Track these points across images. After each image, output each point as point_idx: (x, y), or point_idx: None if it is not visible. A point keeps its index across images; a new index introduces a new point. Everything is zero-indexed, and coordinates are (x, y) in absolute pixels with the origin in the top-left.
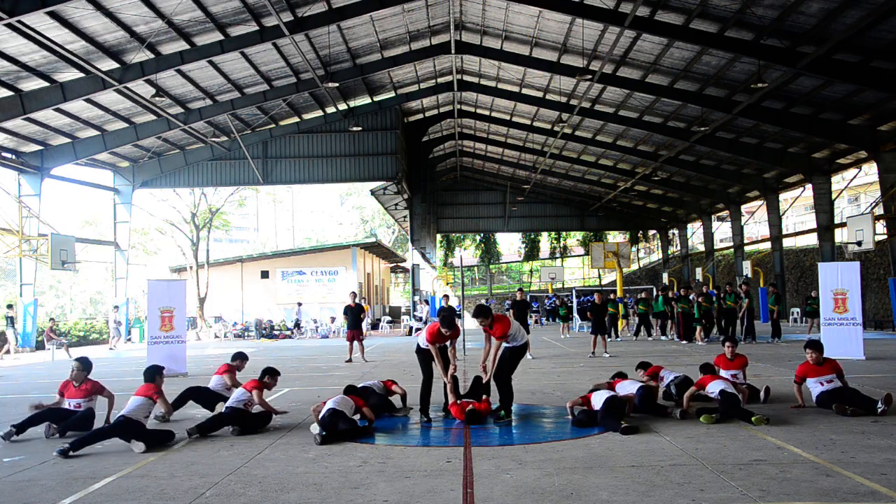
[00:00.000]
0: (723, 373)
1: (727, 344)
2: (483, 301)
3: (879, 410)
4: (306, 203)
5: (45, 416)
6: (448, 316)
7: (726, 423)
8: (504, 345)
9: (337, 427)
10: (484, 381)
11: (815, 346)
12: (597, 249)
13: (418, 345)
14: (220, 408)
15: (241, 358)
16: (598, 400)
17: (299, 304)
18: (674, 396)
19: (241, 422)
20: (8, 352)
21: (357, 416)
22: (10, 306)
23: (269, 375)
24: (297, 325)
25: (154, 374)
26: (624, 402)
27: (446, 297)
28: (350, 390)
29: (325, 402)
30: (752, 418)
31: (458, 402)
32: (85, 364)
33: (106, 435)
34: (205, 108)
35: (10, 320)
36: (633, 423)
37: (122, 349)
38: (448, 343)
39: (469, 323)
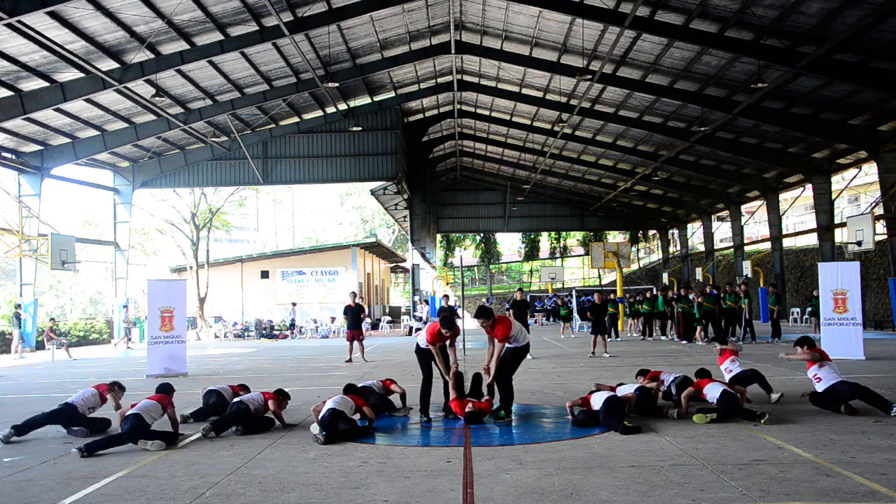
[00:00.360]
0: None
1: (715, 344)
2: (483, 301)
3: (894, 413)
4: (306, 203)
5: (49, 420)
6: (448, 316)
7: (726, 423)
8: (506, 345)
9: (337, 427)
10: (486, 384)
11: (799, 342)
12: (597, 249)
13: (417, 345)
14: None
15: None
16: (597, 401)
17: (293, 305)
18: (673, 396)
19: (247, 422)
20: (16, 350)
21: (357, 416)
22: (18, 306)
23: (284, 396)
24: (293, 325)
25: (168, 389)
26: (624, 402)
27: (446, 297)
28: (349, 389)
29: (324, 402)
30: (762, 420)
31: (460, 399)
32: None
33: (122, 441)
34: (205, 108)
35: (18, 320)
36: (633, 423)
37: (122, 349)
38: (448, 343)
39: (469, 323)
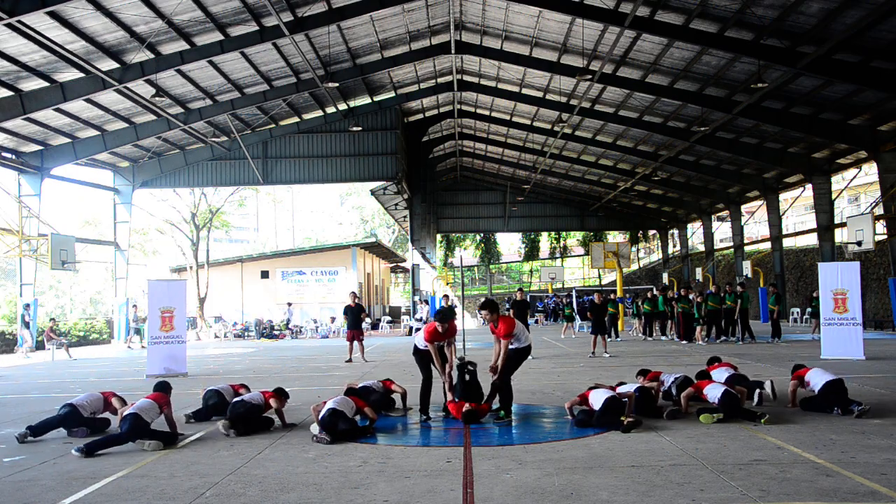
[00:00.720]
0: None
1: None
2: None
3: (855, 410)
4: (306, 203)
5: (61, 423)
6: (443, 311)
7: (726, 423)
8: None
9: (337, 427)
10: (493, 382)
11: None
12: (597, 249)
13: (416, 346)
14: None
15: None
16: (596, 399)
17: (289, 304)
18: (674, 396)
19: (249, 422)
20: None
21: (357, 417)
22: (27, 306)
23: (283, 395)
24: (288, 325)
25: (165, 388)
26: (624, 403)
27: (446, 297)
28: (350, 392)
29: (325, 402)
30: (762, 420)
31: (457, 400)
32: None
33: (121, 440)
34: (205, 108)
35: (24, 322)
36: (632, 421)
37: (135, 348)
38: (446, 343)
39: (469, 323)
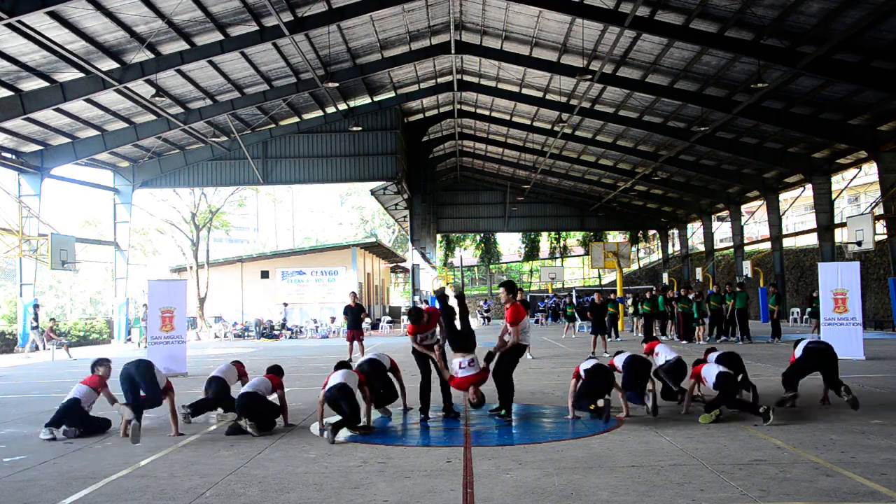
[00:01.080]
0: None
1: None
2: (482, 302)
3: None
4: (306, 203)
5: (65, 415)
6: (413, 309)
7: (726, 421)
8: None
9: (339, 403)
10: (492, 352)
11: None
12: (597, 249)
13: (413, 347)
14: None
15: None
16: (585, 366)
17: (285, 305)
18: (673, 388)
19: (263, 418)
20: (35, 349)
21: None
22: (36, 305)
23: (281, 373)
24: (284, 325)
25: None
26: (611, 372)
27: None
28: (343, 365)
29: (326, 381)
30: (766, 422)
31: (454, 375)
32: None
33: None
34: (205, 108)
35: (31, 324)
36: (602, 406)
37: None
38: (437, 330)
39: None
